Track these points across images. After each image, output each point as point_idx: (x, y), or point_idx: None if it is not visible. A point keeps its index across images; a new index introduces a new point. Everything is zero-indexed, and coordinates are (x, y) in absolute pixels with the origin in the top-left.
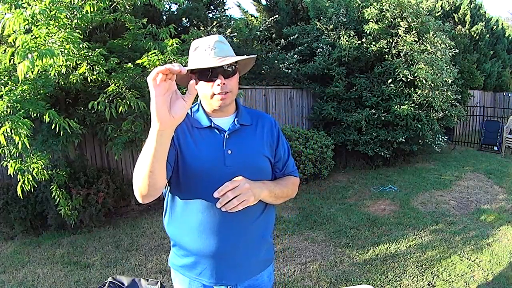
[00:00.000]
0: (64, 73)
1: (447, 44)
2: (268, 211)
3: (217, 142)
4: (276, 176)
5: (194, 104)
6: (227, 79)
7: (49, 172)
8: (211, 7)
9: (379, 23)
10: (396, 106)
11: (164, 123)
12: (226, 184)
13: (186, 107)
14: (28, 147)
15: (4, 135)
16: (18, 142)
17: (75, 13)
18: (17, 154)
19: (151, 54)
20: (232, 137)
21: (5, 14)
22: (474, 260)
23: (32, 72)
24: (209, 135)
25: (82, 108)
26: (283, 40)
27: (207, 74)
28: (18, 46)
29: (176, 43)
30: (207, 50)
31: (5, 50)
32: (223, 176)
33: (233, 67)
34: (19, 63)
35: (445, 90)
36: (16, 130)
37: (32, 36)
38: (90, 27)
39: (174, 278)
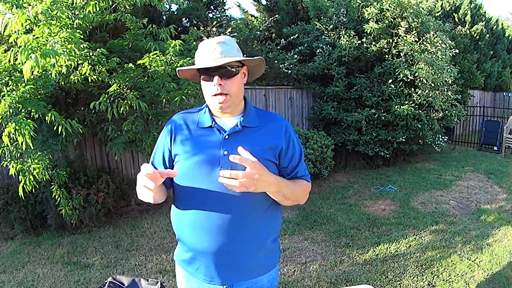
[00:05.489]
0: (65, 73)
1: (447, 44)
2: (270, 216)
3: (215, 142)
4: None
5: (203, 104)
6: (226, 80)
7: (50, 172)
8: (211, 7)
9: (379, 23)
10: (396, 106)
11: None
12: (237, 173)
13: (162, 179)
14: (32, 147)
15: (8, 136)
16: (21, 143)
17: (76, 13)
18: (18, 155)
19: (152, 55)
20: (231, 138)
21: (6, 13)
22: (474, 260)
23: (36, 71)
24: (208, 135)
25: (82, 108)
26: (283, 40)
27: (205, 74)
28: (21, 46)
29: (179, 45)
30: (208, 51)
31: (5, 50)
32: (218, 176)
33: (235, 68)
34: (24, 62)
35: (445, 90)
36: (20, 131)
37: (34, 36)
38: (91, 27)
39: (177, 271)
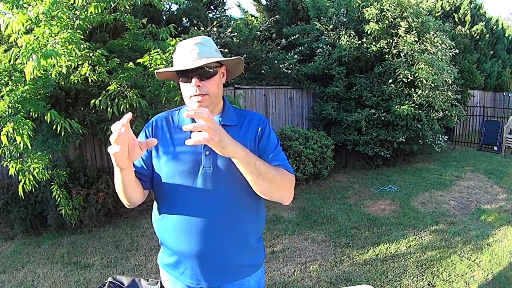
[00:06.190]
0: (65, 73)
1: (447, 44)
2: (253, 215)
3: None
4: None
5: (183, 105)
6: (204, 81)
7: (50, 172)
8: (211, 7)
9: (379, 23)
10: (396, 106)
11: (125, 166)
12: (201, 123)
13: (141, 152)
14: (30, 147)
15: (6, 135)
16: (20, 142)
17: (77, 13)
18: (18, 155)
19: (153, 53)
20: None
21: (6, 13)
22: (474, 260)
23: (38, 71)
24: (189, 136)
25: (82, 108)
26: (283, 40)
27: (183, 76)
28: (22, 47)
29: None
30: (186, 52)
31: (5, 50)
32: (200, 177)
33: (213, 69)
34: (25, 63)
35: (445, 90)
36: (18, 130)
37: (34, 36)
38: (90, 27)
39: (162, 275)
